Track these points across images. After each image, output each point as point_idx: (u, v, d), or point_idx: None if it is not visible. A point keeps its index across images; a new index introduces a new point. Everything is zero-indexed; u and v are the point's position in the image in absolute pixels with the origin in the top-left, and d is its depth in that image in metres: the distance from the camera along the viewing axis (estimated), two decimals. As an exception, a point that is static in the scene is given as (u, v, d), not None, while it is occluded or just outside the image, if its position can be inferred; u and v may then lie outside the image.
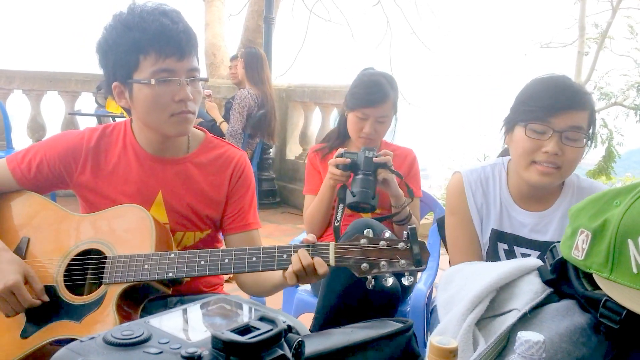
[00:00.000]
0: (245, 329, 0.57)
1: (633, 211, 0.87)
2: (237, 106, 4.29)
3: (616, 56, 11.19)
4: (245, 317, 0.64)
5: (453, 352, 0.76)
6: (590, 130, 1.43)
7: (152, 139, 1.45)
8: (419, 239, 1.23)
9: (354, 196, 1.81)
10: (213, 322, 0.64)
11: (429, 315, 1.87)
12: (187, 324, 0.60)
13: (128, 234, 1.35)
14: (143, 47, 1.31)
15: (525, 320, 0.96)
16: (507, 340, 0.94)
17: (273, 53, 5.53)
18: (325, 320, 1.74)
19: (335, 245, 1.27)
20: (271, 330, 0.58)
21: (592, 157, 11.17)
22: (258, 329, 0.58)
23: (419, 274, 2.20)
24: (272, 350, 0.57)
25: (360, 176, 1.84)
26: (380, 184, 1.88)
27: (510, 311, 0.99)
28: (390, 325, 1.16)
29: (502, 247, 1.54)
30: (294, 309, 2.28)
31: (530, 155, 1.41)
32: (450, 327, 0.99)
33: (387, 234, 1.25)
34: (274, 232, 4.39)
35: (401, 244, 1.24)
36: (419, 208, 2.17)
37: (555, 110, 1.37)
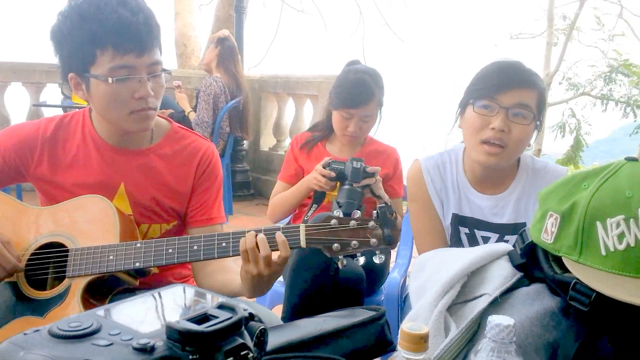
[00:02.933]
0: (202, 318, 0.54)
1: (601, 193, 0.87)
2: (202, 94, 4.20)
3: (584, 47, 11.39)
4: (206, 306, 0.61)
5: (424, 338, 0.75)
6: (539, 113, 1.45)
7: (112, 131, 1.40)
8: (389, 217, 1.24)
9: (340, 206, 1.79)
10: (170, 312, 0.61)
11: (402, 303, 1.87)
12: (142, 314, 0.57)
13: (90, 225, 1.31)
14: (100, 42, 1.24)
15: (496, 304, 0.95)
16: (478, 325, 0.93)
17: (245, 44, 5.46)
18: (294, 309, 1.74)
19: (307, 226, 1.26)
20: (230, 318, 0.55)
21: (560, 147, 11.38)
22: (216, 317, 0.55)
23: (392, 264, 2.21)
24: (231, 339, 0.54)
25: (346, 187, 1.84)
26: (366, 193, 1.88)
27: (481, 296, 0.98)
28: (362, 314, 1.15)
29: (464, 231, 1.56)
30: (268, 301, 2.26)
31: (478, 133, 1.43)
32: (422, 313, 0.97)
33: (357, 214, 1.25)
34: (247, 224, 4.35)
35: (371, 223, 1.24)
36: (402, 206, 2.17)
37: (502, 88, 1.40)
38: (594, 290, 0.82)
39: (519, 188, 1.54)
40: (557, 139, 11.43)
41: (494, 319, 0.76)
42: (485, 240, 1.55)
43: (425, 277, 1.09)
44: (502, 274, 1.00)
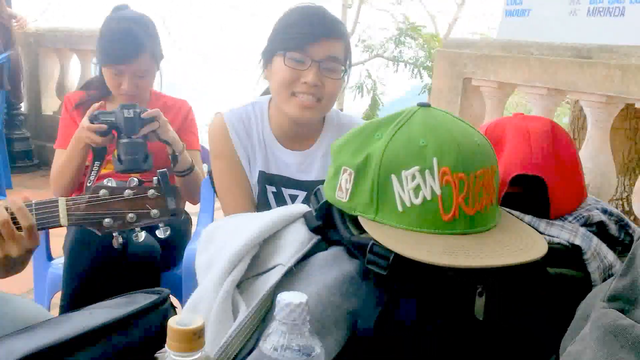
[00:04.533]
0: None
1: (395, 144, 0.79)
2: None
3: (376, 11, 12.10)
4: None
5: (197, 333, 0.59)
6: (347, 63, 1.41)
7: None
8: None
9: (121, 163, 1.57)
10: None
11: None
12: None
13: None
14: None
15: (291, 275, 0.84)
16: (271, 302, 0.81)
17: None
18: (74, 295, 1.49)
19: (67, 200, 1.03)
20: None
21: (359, 106, 12.07)
22: None
23: (192, 231, 2.04)
24: None
25: (124, 140, 1.59)
26: (152, 138, 1.65)
27: (274, 267, 0.85)
28: (140, 300, 0.95)
29: (271, 189, 1.45)
30: (48, 287, 1.95)
31: (290, 86, 1.34)
32: (205, 295, 0.82)
33: (134, 182, 1.06)
34: (31, 198, 3.78)
35: (151, 191, 1.07)
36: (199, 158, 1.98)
37: (313, 39, 1.32)
38: (392, 252, 0.74)
39: (325, 143, 1.47)
40: (357, 98, 12.10)
41: (283, 298, 0.64)
42: (293, 199, 1.46)
43: (213, 250, 0.93)
44: (297, 239, 0.89)
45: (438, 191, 0.76)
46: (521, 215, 0.90)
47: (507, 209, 0.91)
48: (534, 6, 2.78)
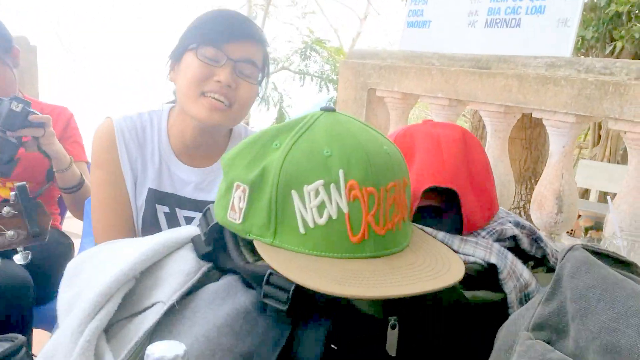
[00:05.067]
0: None
1: (295, 154, 0.68)
2: None
3: (281, 23, 12.09)
4: None
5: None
6: (265, 71, 1.30)
7: None
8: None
9: None
10: None
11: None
12: None
13: None
14: None
15: (173, 314, 0.69)
16: (149, 348, 0.66)
17: None
18: None
19: None
20: None
21: (265, 120, 11.97)
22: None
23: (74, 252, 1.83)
24: None
25: None
26: (31, 147, 1.46)
27: (153, 305, 0.71)
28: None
29: (163, 209, 1.29)
30: None
31: (200, 84, 1.19)
32: (61, 345, 0.66)
33: None
34: None
35: (6, 209, 0.91)
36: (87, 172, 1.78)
37: (231, 38, 1.20)
38: (293, 282, 0.63)
39: None
40: (263, 111, 12.00)
41: (153, 351, 0.50)
42: (189, 220, 1.30)
43: (78, 286, 0.76)
44: (183, 269, 0.75)
45: (345, 208, 0.66)
46: (434, 232, 0.82)
47: (420, 226, 0.82)
48: (434, 18, 2.81)
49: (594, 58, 2.12)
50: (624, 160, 6.60)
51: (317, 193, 0.65)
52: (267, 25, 11.46)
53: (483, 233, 0.88)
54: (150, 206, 1.29)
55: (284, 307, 0.63)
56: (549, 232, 2.17)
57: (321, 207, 0.65)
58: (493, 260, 0.80)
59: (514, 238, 0.92)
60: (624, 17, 5.15)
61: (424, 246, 0.74)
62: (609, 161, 6.31)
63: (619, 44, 5.09)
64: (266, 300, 0.64)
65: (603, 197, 5.90)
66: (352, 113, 2.82)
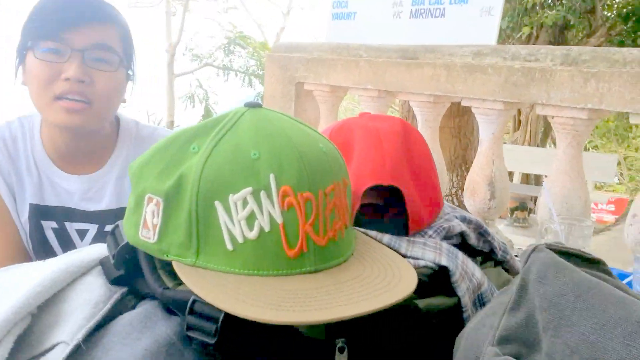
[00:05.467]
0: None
1: (217, 158, 0.58)
2: None
3: (202, 19, 11.78)
4: None
5: None
6: (128, 53, 1.13)
7: None
8: None
9: None
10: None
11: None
12: None
13: None
14: None
15: (80, 356, 0.58)
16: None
17: None
18: None
19: None
20: None
21: (191, 117, 11.65)
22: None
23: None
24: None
25: None
26: None
27: (54, 347, 0.59)
28: None
29: (50, 225, 1.14)
30: None
31: (49, 87, 1.03)
32: None
33: None
34: None
35: None
36: None
37: (71, 24, 1.03)
38: (221, 310, 0.53)
39: (120, 163, 1.18)
40: (188, 109, 11.68)
41: None
42: (82, 234, 1.16)
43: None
44: (89, 299, 0.63)
45: (279, 219, 0.56)
46: (379, 235, 0.75)
47: (362, 230, 0.74)
48: (359, 9, 2.76)
49: (519, 45, 2.14)
50: (543, 143, 6.90)
51: (245, 203, 0.56)
52: (187, 20, 11.12)
53: (430, 232, 0.82)
54: (35, 223, 1.15)
55: (212, 341, 0.53)
56: (483, 217, 2.17)
57: (251, 219, 0.56)
58: (444, 262, 0.74)
59: (461, 234, 0.86)
60: (537, 7, 5.35)
61: (370, 254, 0.66)
62: (529, 144, 6.57)
63: (526, 30, 5.27)
64: (190, 334, 0.54)
65: (526, 179, 6.13)
66: (280, 108, 2.73)
